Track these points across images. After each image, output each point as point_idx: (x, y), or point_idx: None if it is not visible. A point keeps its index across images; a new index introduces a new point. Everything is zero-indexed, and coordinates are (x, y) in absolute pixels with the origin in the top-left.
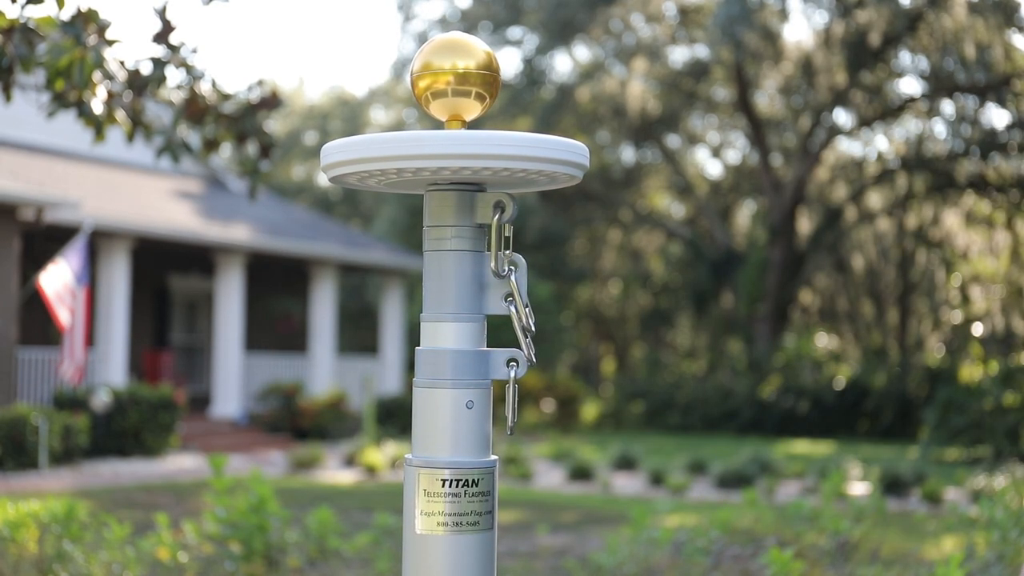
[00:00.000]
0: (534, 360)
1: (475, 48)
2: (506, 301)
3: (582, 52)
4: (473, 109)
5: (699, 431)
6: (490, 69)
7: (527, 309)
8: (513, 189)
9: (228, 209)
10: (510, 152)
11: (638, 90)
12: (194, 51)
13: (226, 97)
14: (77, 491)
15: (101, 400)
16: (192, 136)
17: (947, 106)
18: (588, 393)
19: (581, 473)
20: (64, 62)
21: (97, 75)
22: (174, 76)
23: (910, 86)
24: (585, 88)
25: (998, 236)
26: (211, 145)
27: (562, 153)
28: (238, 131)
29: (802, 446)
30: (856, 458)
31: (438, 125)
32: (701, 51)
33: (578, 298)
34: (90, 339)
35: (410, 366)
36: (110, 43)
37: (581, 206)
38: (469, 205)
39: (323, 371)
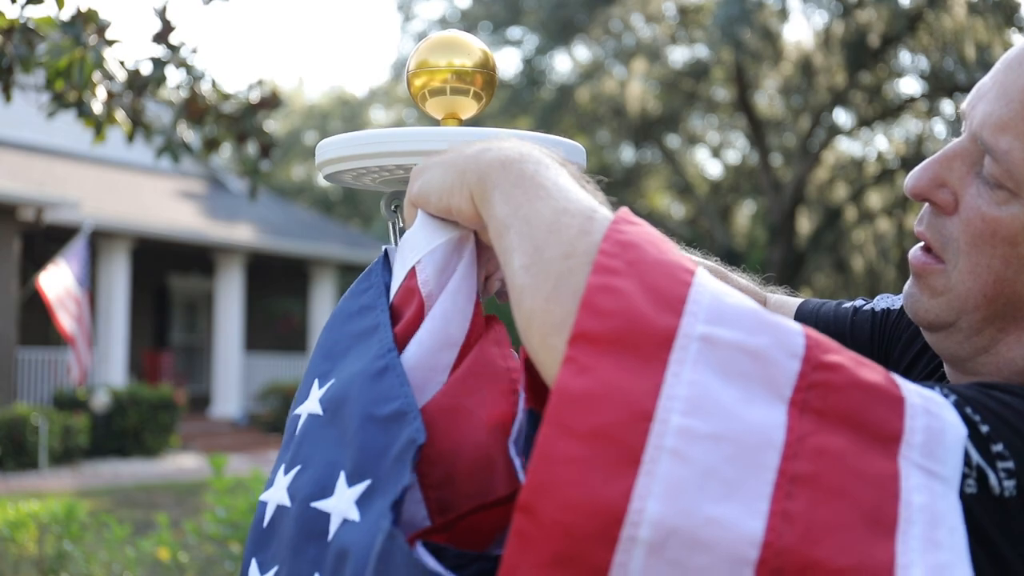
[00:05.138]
0: None
1: (472, 46)
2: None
3: (582, 52)
4: (470, 108)
5: None
6: (487, 67)
7: None
8: None
9: (228, 209)
10: None
11: (638, 90)
12: (194, 51)
13: (226, 97)
14: (77, 491)
15: (101, 400)
16: (192, 136)
17: (947, 106)
18: None
19: None
20: (64, 62)
21: (97, 75)
22: (174, 76)
23: (910, 86)
24: (585, 88)
25: None
26: (211, 145)
27: (558, 151)
28: (238, 131)
29: None
30: None
31: (435, 124)
32: (701, 51)
33: None
34: (90, 339)
35: None
36: (110, 43)
37: None
38: None
39: None
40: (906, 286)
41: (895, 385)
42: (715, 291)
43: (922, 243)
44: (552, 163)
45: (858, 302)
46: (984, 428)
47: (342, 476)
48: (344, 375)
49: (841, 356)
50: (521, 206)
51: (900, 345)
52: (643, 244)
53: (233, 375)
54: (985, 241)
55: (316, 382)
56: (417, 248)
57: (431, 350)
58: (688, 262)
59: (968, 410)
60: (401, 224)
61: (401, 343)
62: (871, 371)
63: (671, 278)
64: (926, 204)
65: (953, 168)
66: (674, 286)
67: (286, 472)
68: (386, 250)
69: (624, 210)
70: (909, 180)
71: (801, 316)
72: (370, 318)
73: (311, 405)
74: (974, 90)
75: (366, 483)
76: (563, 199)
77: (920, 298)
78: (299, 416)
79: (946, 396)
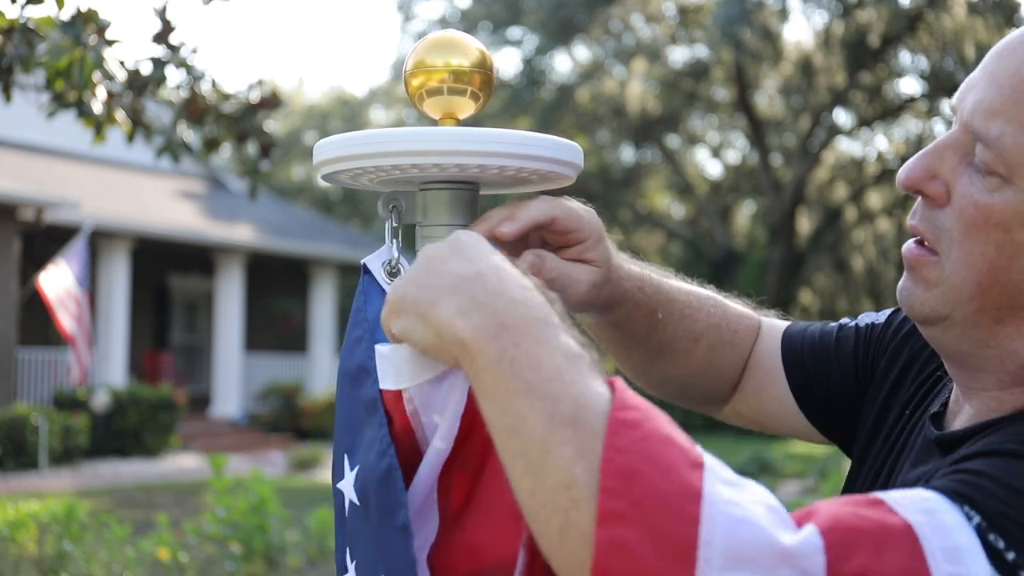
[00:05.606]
0: None
1: (469, 46)
2: None
3: (582, 52)
4: (467, 108)
5: (699, 431)
6: (484, 67)
7: None
8: (507, 189)
9: (228, 209)
10: (504, 150)
11: (638, 90)
12: (194, 51)
13: (226, 97)
14: (77, 491)
15: (101, 400)
16: (192, 136)
17: (947, 106)
18: None
19: None
20: (64, 62)
21: (97, 75)
22: (174, 76)
23: (910, 86)
24: (585, 88)
25: None
26: (211, 145)
27: (557, 152)
28: (238, 131)
29: (802, 446)
30: None
31: (433, 124)
32: (701, 51)
33: None
34: (90, 339)
35: None
36: (110, 43)
37: None
38: (460, 204)
39: (323, 371)
40: (900, 281)
41: (920, 557)
42: (726, 523)
43: (915, 237)
44: (532, 324)
45: (843, 320)
46: (1011, 556)
47: None
48: (362, 462)
49: (863, 551)
50: (506, 410)
51: (886, 358)
52: (644, 467)
53: (233, 375)
54: (978, 228)
55: (346, 459)
56: (401, 376)
57: (432, 471)
58: (694, 476)
59: (992, 537)
60: (396, 224)
61: (398, 440)
62: (895, 551)
63: (679, 519)
64: (919, 198)
65: (945, 159)
66: (683, 529)
67: (351, 560)
68: (365, 265)
69: (618, 401)
70: (901, 173)
71: (788, 340)
72: (368, 387)
73: (348, 489)
74: (964, 83)
75: None
76: (549, 397)
77: (914, 291)
78: (342, 494)
79: (968, 519)
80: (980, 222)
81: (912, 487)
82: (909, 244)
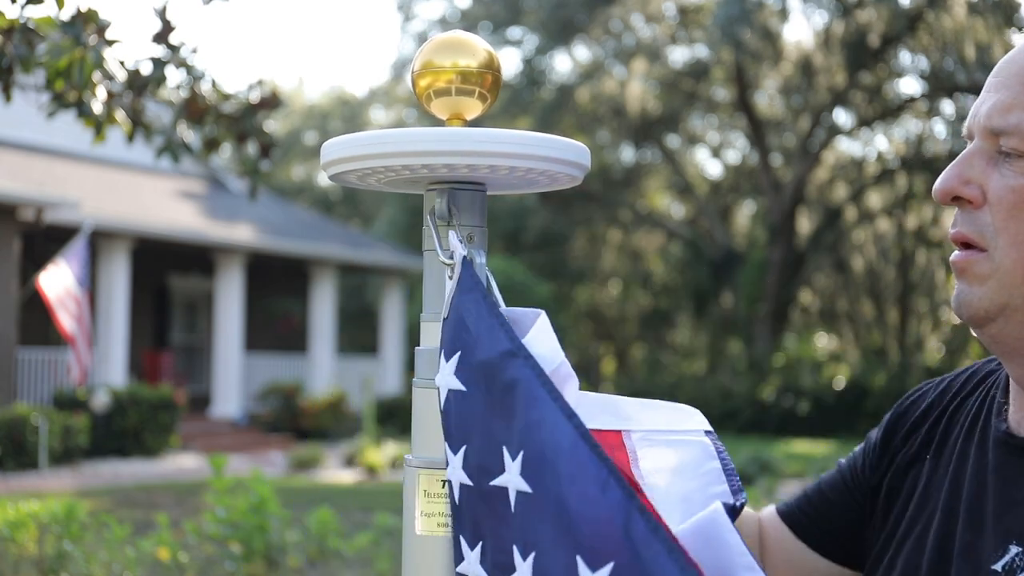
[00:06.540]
0: None
1: (477, 47)
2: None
3: (582, 52)
4: (475, 108)
5: None
6: (492, 68)
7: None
8: (513, 190)
9: (228, 209)
10: (514, 151)
11: (638, 90)
12: (194, 51)
13: (226, 97)
14: (77, 491)
15: (101, 400)
16: (192, 136)
17: (947, 106)
18: None
19: None
20: (64, 62)
21: (97, 75)
22: (174, 76)
23: (910, 86)
24: (585, 88)
25: None
26: (211, 145)
27: (566, 153)
28: (238, 131)
29: (802, 446)
30: None
31: (438, 124)
32: (701, 51)
33: (578, 298)
34: (90, 339)
35: (410, 366)
36: (110, 43)
37: (581, 206)
38: (469, 204)
39: (323, 371)
40: (953, 293)
41: None
42: None
43: (958, 249)
44: None
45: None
46: None
47: (580, 562)
48: (526, 446)
49: None
50: None
51: (878, 450)
52: None
53: (233, 375)
54: (1021, 209)
55: (506, 452)
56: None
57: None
58: None
59: None
60: (435, 231)
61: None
62: None
63: None
64: (956, 210)
65: (974, 164)
66: None
67: (523, 558)
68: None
69: None
70: (937, 184)
71: (782, 508)
72: (516, 368)
73: (515, 480)
74: (972, 107)
75: (609, 566)
76: None
77: (969, 291)
78: (504, 489)
79: None
80: (1021, 203)
81: None
82: (955, 253)
